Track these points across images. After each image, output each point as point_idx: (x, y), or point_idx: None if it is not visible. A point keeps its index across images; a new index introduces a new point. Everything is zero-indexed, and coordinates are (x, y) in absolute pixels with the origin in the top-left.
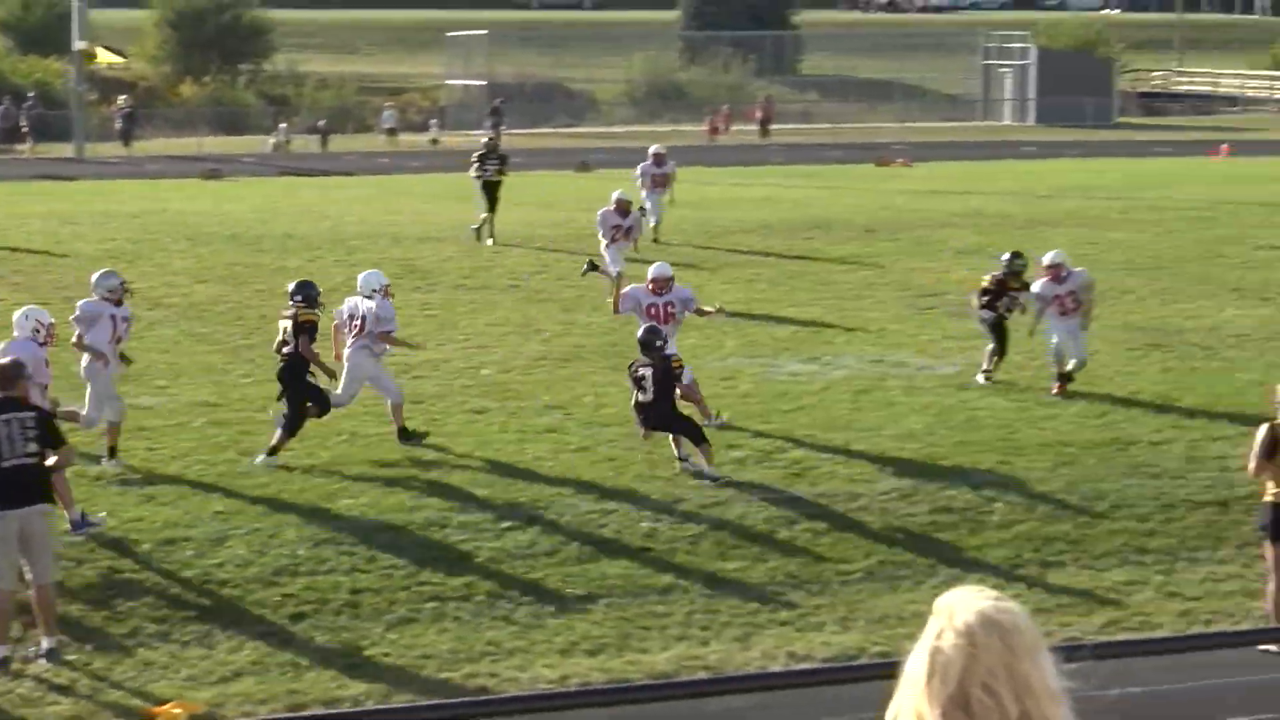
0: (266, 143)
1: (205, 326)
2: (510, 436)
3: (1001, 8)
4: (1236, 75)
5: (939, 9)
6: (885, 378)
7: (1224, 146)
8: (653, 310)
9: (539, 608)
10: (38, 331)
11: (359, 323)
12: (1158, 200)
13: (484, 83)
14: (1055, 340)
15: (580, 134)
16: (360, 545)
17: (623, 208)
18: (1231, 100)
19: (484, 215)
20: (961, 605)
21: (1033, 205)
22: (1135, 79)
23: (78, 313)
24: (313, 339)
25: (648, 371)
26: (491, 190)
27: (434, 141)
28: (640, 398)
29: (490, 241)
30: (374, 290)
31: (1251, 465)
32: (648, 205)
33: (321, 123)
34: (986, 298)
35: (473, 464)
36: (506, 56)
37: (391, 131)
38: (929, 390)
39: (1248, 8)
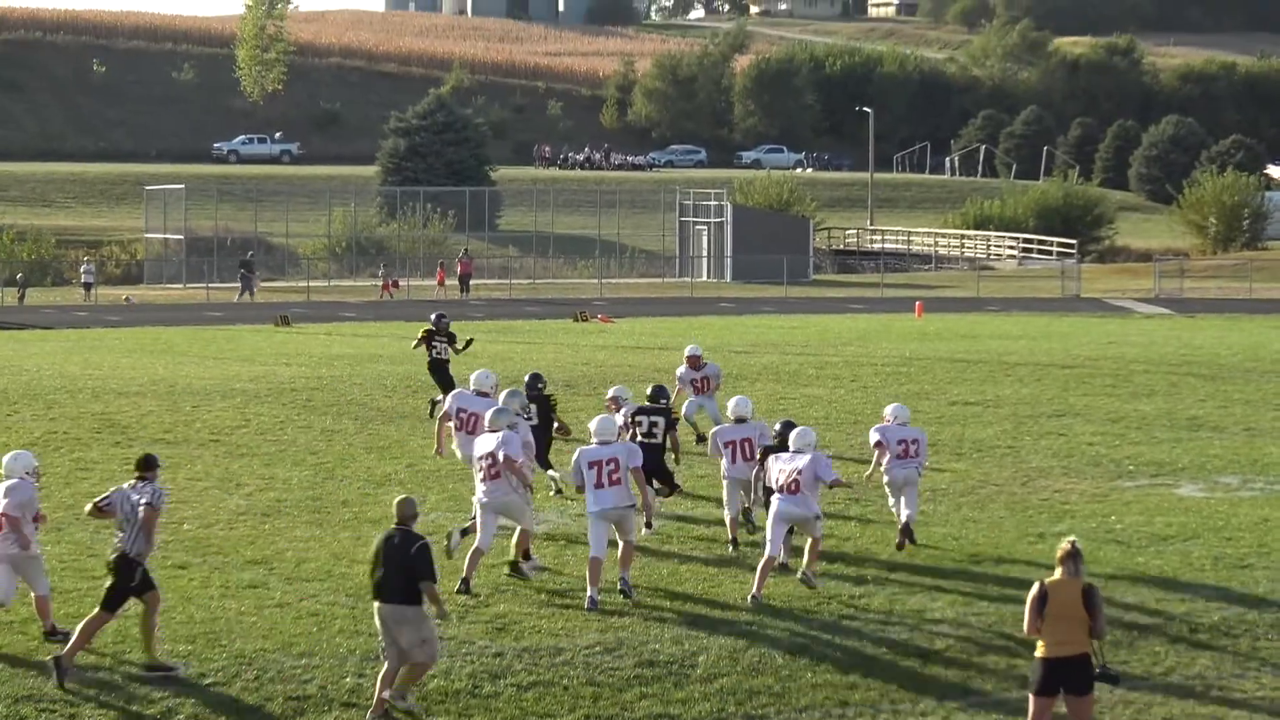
0: None
1: None
2: (213, 592)
3: (697, 165)
4: (929, 233)
5: (636, 166)
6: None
7: (918, 304)
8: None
9: None
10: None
11: None
12: (854, 356)
13: (181, 237)
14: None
15: (281, 288)
16: (60, 703)
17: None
18: (924, 258)
19: None
20: None
21: (730, 360)
22: (830, 236)
23: None
24: None
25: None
26: None
27: (126, 300)
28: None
29: None
30: (27, 472)
31: (1026, 623)
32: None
33: (19, 276)
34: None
35: (175, 619)
36: (205, 210)
37: (89, 287)
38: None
39: (937, 168)
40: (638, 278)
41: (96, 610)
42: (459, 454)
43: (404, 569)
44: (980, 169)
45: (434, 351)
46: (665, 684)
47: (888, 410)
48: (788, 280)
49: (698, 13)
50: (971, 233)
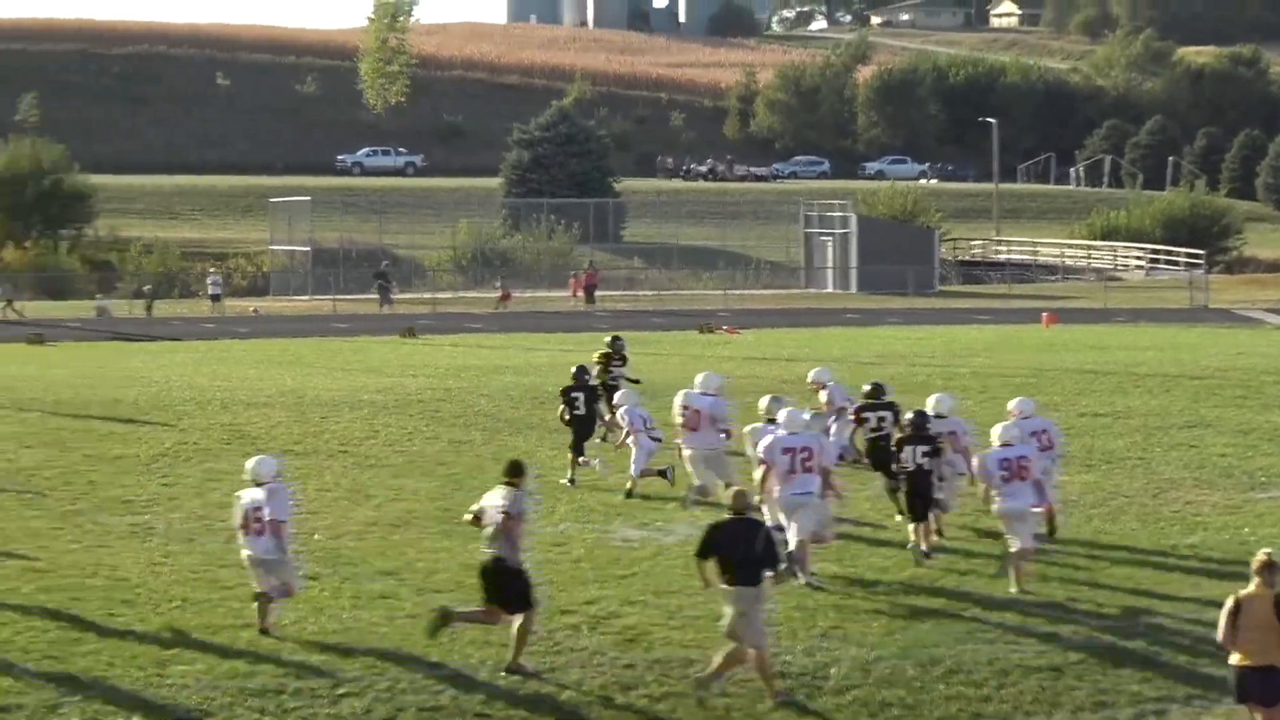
0: (90, 308)
1: (31, 492)
2: (344, 602)
3: (820, 176)
4: (1055, 244)
5: (759, 178)
6: None
7: (1045, 315)
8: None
9: None
10: None
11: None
12: (981, 367)
13: (307, 248)
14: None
15: (406, 300)
16: (195, 712)
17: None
18: (1050, 269)
19: None
20: None
21: (856, 371)
22: (955, 247)
23: None
24: None
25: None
26: None
27: (254, 311)
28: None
29: None
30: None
31: (1220, 634)
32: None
33: (146, 288)
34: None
35: (306, 630)
36: (330, 222)
37: (216, 298)
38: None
39: (1062, 179)
40: (763, 289)
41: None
42: (683, 450)
43: (751, 556)
44: (1105, 179)
45: (609, 377)
46: (796, 694)
47: (1012, 404)
48: (913, 291)
49: (819, 23)
50: (1098, 243)
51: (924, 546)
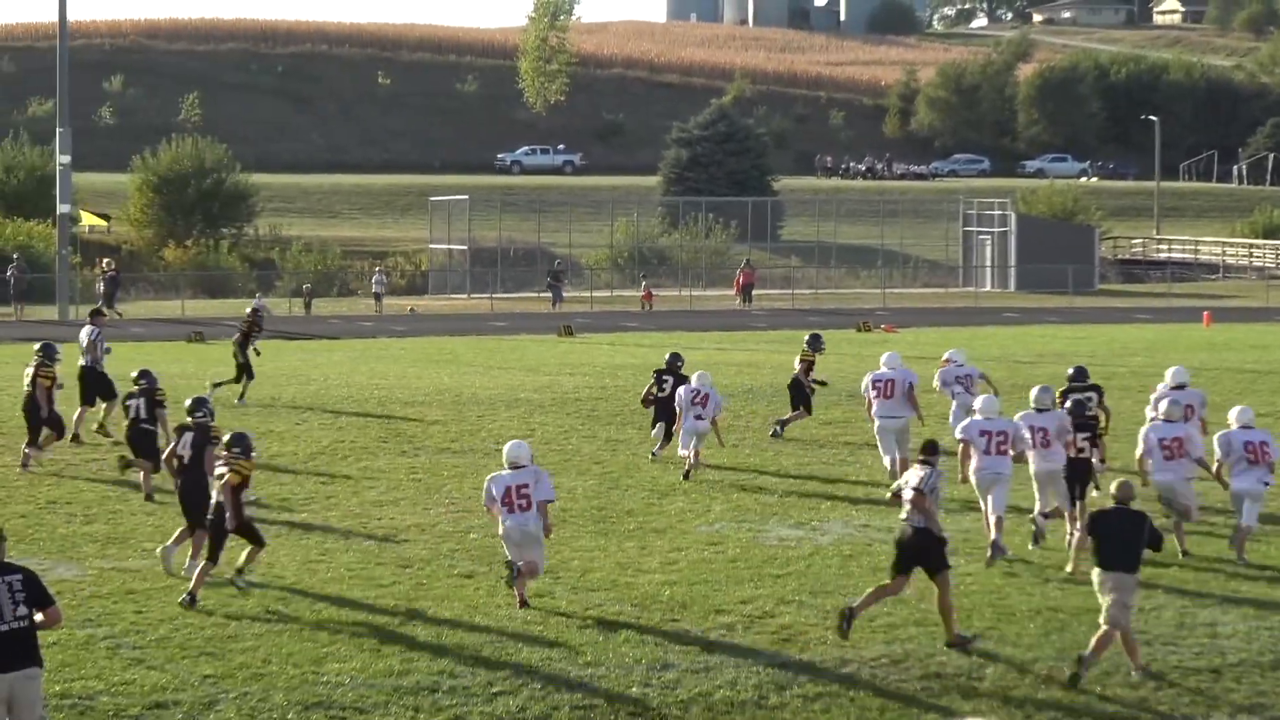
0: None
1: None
2: (499, 601)
3: (980, 175)
4: (1216, 242)
5: (918, 176)
6: (873, 543)
7: (1205, 314)
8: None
9: None
10: None
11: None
12: (1141, 366)
13: (465, 247)
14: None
15: (567, 298)
16: (350, 710)
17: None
18: (1212, 267)
19: None
20: None
21: (1016, 370)
22: (1115, 246)
23: None
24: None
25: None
26: None
27: (411, 310)
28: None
29: None
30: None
31: None
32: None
33: (305, 286)
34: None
35: (461, 628)
36: (489, 221)
37: (379, 297)
38: None
39: (1225, 176)
40: (921, 288)
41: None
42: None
43: (1133, 544)
44: (1269, 177)
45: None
46: (952, 696)
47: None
48: (1073, 290)
49: (980, 21)
50: (1261, 242)
51: (1075, 528)
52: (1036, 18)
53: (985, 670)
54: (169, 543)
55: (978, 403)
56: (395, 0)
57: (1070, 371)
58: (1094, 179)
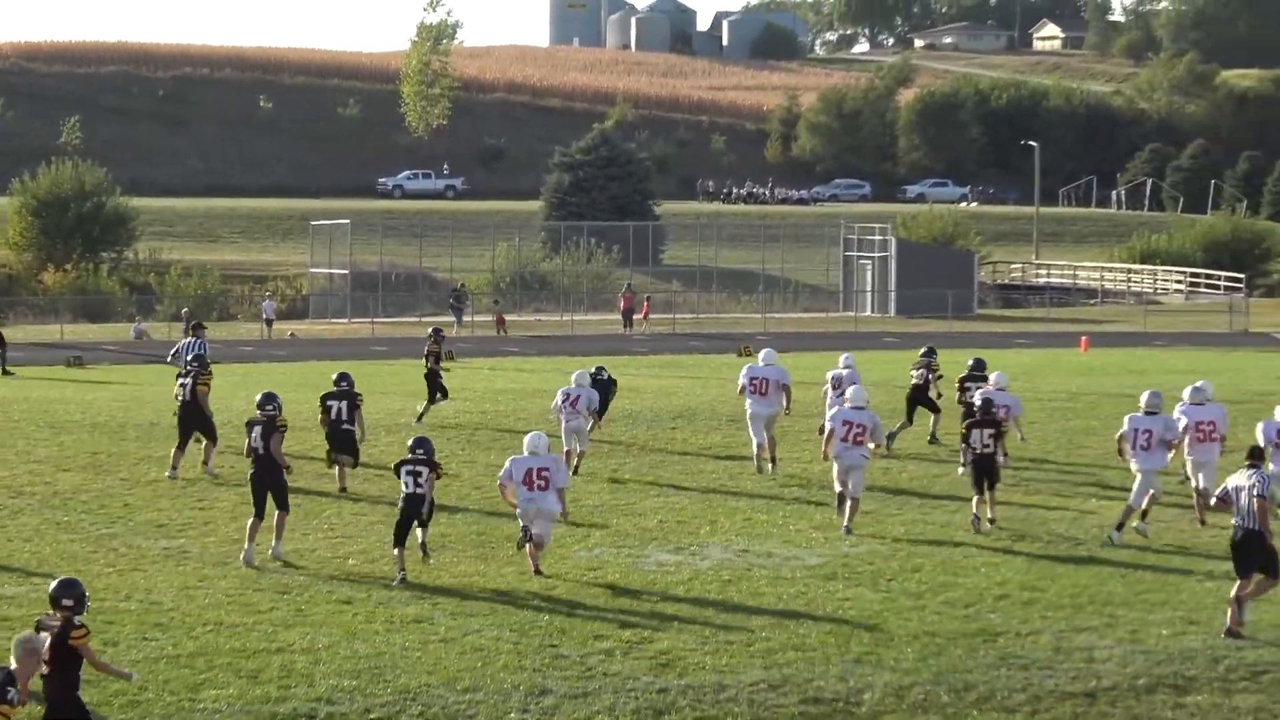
0: (129, 330)
1: (68, 515)
2: (377, 626)
3: (861, 199)
4: (1094, 267)
5: (800, 200)
6: (752, 568)
7: (1083, 339)
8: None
9: None
10: None
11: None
12: (1019, 391)
13: (346, 271)
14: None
15: (445, 323)
16: None
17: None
18: (1090, 292)
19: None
20: None
21: (896, 395)
22: (995, 271)
23: None
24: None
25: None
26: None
27: (291, 335)
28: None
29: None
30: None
31: None
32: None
33: (185, 310)
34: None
35: (340, 654)
36: (370, 245)
37: (270, 322)
38: (796, 580)
39: (1103, 202)
40: (801, 312)
41: None
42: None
43: None
44: (1147, 203)
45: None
46: None
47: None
48: (952, 314)
49: (862, 46)
50: (1138, 267)
51: (988, 515)
52: (918, 43)
53: (863, 695)
54: (245, 546)
55: (849, 392)
56: (277, 24)
57: (970, 362)
58: (974, 204)
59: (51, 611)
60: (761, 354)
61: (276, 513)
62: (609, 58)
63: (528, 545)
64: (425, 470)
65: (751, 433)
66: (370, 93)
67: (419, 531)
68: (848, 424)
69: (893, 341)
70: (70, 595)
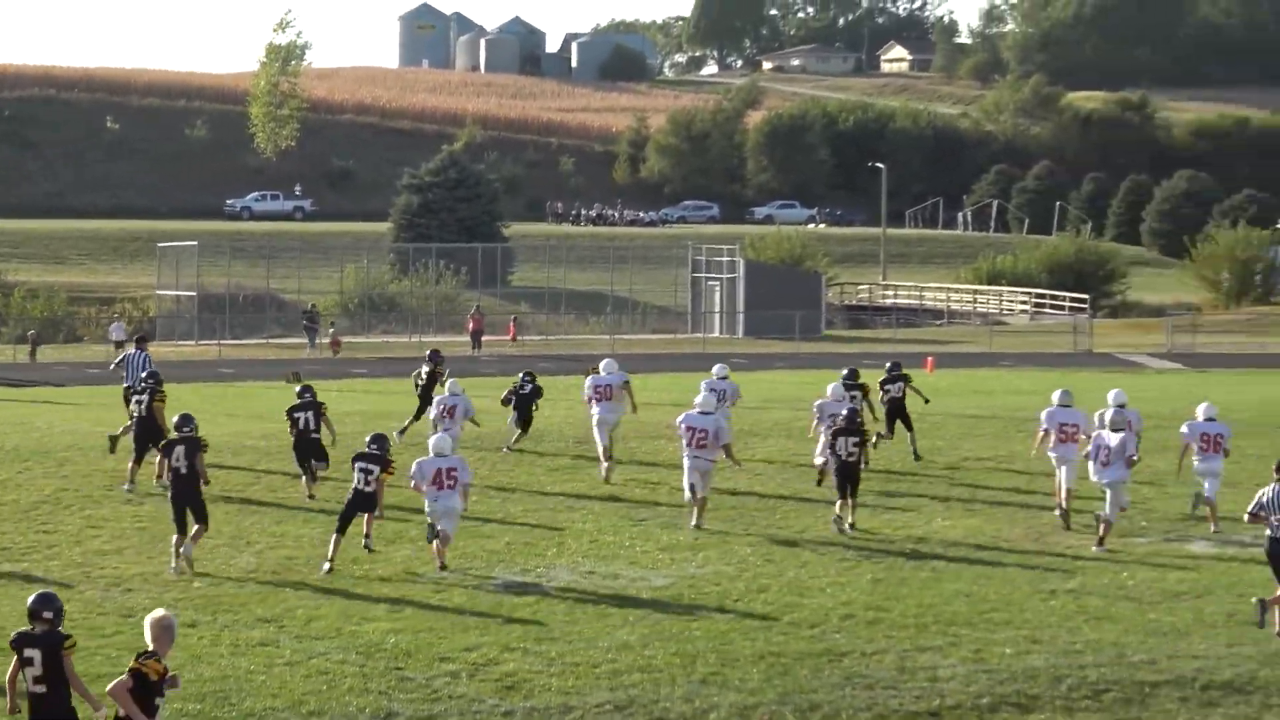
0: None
1: None
2: (223, 650)
3: (709, 221)
4: (941, 288)
5: (649, 223)
6: (599, 589)
7: (929, 359)
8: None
9: None
10: None
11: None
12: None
13: (194, 293)
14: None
15: (294, 344)
16: None
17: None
18: (936, 313)
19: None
20: None
21: (742, 416)
22: (842, 292)
23: None
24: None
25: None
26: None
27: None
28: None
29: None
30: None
31: None
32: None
33: (31, 333)
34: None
35: (185, 678)
36: (218, 267)
37: (120, 344)
38: (643, 602)
39: (950, 223)
40: (650, 333)
41: None
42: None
43: None
44: (993, 224)
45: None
46: None
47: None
48: (800, 336)
49: (711, 69)
50: (984, 288)
51: (849, 519)
52: (766, 65)
53: (709, 716)
54: (173, 562)
55: (698, 399)
56: (125, 45)
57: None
58: (821, 225)
59: (30, 625)
60: (603, 364)
61: (195, 526)
62: (458, 79)
63: (435, 542)
64: (376, 469)
65: (598, 437)
66: (218, 114)
67: (365, 524)
68: (690, 429)
69: (741, 363)
70: (50, 608)
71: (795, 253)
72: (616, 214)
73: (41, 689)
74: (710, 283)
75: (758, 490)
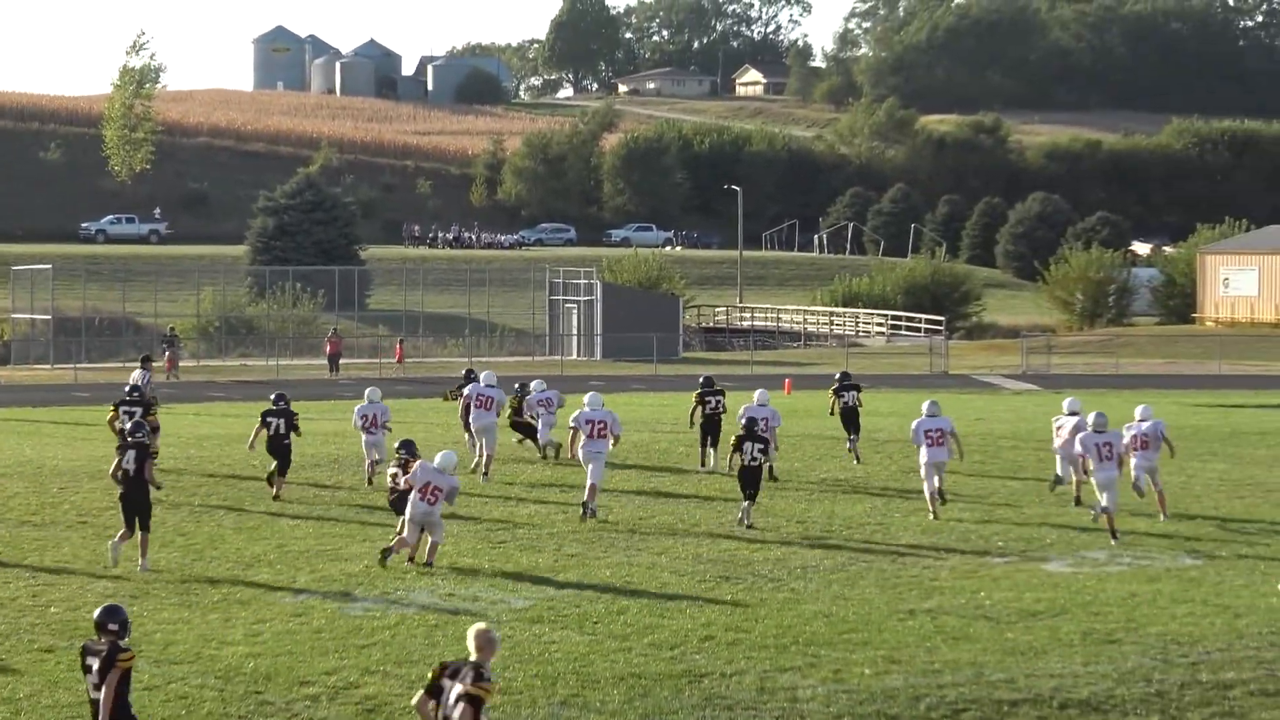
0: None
1: None
2: (79, 675)
3: (566, 244)
4: (797, 310)
5: (506, 245)
6: (458, 612)
7: (786, 381)
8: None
9: None
10: None
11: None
12: (723, 433)
13: (49, 317)
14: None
15: (157, 367)
16: None
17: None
18: (794, 335)
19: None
20: None
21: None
22: (699, 314)
23: None
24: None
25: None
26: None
27: None
28: None
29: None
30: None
31: None
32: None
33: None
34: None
35: (42, 703)
36: (73, 290)
37: None
38: (502, 623)
39: (806, 245)
40: (508, 356)
41: None
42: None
43: None
44: (849, 246)
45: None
46: None
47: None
48: (657, 358)
49: (566, 91)
50: (840, 310)
51: (749, 521)
52: (622, 88)
53: None
54: (114, 539)
55: (586, 398)
56: None
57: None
58: (678, 248)
59: (96, 636)
60: (484, 375)
61: (140, 533)
62: (313, 102)
63: (397, 540)
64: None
65: (479, 441)
66: (72, 136)
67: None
68: (590, 422)
69: (599, 385)
70: (115, 621)
71: (652, 275)
72: (474, 236)
73: (98, 696)
74: (568, 305)
75: (615, 512)
